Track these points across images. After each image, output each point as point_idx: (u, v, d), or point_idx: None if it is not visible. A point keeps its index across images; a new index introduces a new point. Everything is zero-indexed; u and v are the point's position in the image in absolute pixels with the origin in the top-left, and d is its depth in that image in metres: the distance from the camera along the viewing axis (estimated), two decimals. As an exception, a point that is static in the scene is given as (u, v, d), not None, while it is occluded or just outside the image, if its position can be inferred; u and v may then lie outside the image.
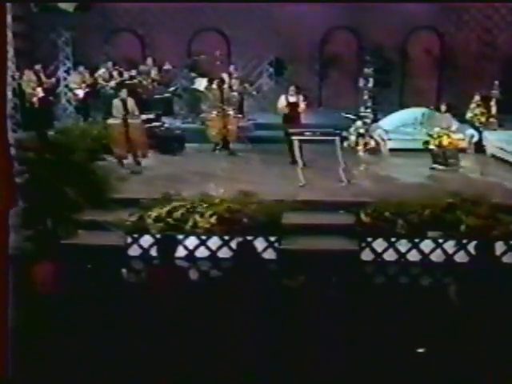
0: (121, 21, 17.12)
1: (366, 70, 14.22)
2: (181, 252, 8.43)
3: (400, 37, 17.37)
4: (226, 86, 13.52)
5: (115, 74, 15.04)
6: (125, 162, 11.89)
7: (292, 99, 12.41)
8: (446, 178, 11.47)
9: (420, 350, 5.77)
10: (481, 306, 5.65)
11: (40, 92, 13.96)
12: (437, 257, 9.00)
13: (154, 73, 15.70)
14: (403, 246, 8.99)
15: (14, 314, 4.33)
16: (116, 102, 11.94)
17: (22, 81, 13.95)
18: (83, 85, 14.86)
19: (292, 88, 12.57)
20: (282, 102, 12.46)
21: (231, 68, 15.35)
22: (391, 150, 13.36)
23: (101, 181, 9.76)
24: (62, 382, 5.26)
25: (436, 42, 17.76)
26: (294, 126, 11.90)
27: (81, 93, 14.86)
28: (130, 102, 12.01)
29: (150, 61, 15.97)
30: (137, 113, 12.11)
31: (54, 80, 14.98)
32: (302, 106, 12.47)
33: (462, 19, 17.45)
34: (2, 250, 4.22)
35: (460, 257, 8.87)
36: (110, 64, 15.28)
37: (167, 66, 15.87)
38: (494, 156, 13.24)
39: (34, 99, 13.88)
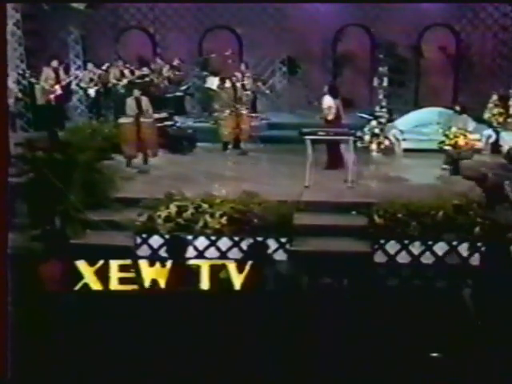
0: (132, 19, 17.14)
1: (381, 69, 14.04)
2: (191, 253, 8.35)
3: (415, 35, 17.19)
4: (238, 84, 13.43)
5: (126, 72, 15.04)
6: (134, 160, 11.84)
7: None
8: (459, 179, 11.26)
9: (434, 355, 5.65)
10: (496, 308, 5.54)
11: (58, 89, 14.01)
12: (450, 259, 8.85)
13: (165, 70, 15.68)
14: (416, 248, 8.84)
15: (14, 314, 4.32)
16: (129, 101, 11.91)
17: (39, 79, 14.00)
18: (91, 83, 14.89)
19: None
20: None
21: (243, 66, 15.27)
22: (406, 150, 13.16)
23: (106, 180, 9.73)
24: (62, 382, 5.22)
25: (452, 40, 17.57)
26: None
27: (92, 92, 14.89)
28: (145, 101, 11.97)
29: (159, 59, 16.04)
30: (151, 111, 12.07)
31: (72, 77, 15.04)
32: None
33: (478, 17, 17.24)
34: (1, 250, 4.20)
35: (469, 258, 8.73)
36: (120, 63, 15.28)
37: (177, 61, 15.85)
38: (511, 157, 13.03)
39: (51, 96, 13.91)
